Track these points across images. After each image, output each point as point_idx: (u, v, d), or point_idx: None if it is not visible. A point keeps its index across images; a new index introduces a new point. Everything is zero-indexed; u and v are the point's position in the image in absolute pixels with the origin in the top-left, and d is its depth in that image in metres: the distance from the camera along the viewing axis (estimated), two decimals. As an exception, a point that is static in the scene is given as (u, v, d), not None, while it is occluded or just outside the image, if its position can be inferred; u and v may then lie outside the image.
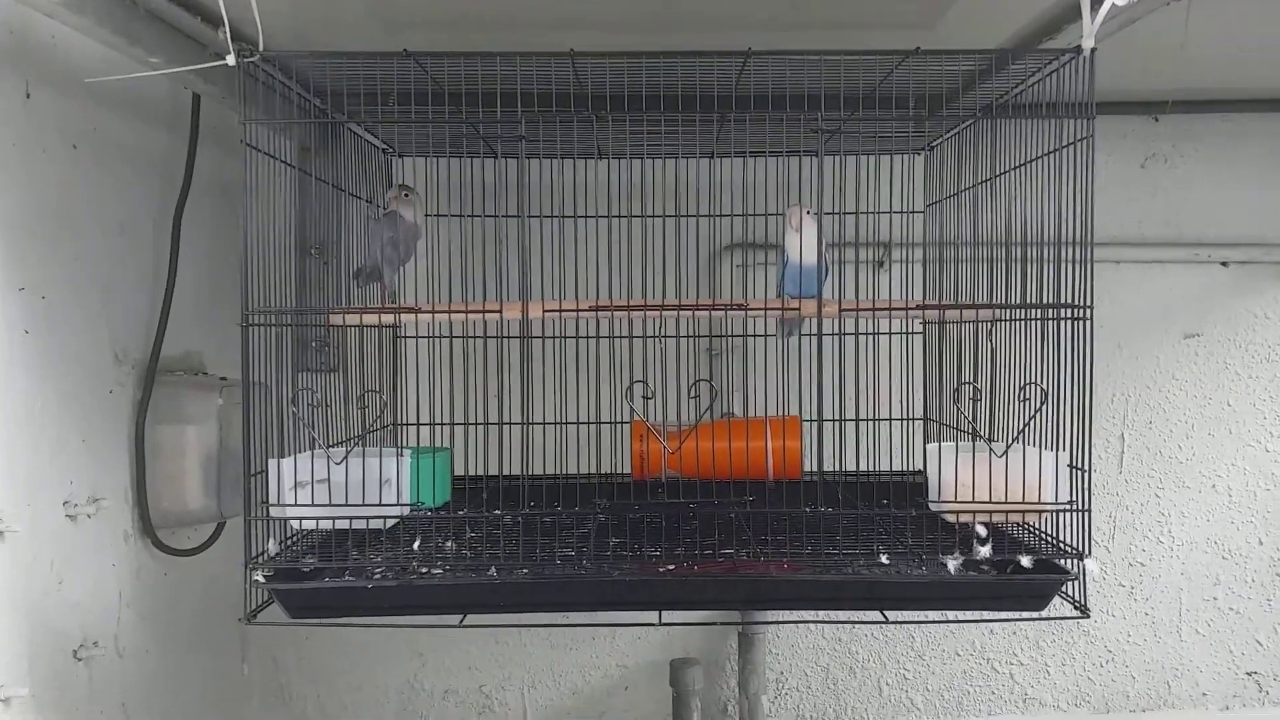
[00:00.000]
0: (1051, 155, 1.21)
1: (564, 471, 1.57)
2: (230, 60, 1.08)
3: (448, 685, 1.99)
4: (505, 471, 1.61)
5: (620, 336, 1.47)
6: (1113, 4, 0.99)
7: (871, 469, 1.59)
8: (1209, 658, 2.02)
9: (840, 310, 1.24)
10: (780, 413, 1.65)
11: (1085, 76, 1.12)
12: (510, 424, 1.59)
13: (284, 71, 1.19)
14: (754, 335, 1.82)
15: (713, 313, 1.28)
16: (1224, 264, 1.98)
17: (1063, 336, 1.16)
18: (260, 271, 1.16)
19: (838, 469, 1.50)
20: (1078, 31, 1.23)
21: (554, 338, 1.58)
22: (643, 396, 1.10)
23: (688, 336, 1.73)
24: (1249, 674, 2.03)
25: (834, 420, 1.45)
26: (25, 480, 1.25)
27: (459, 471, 1.55)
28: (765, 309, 1.29)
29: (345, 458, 1.12)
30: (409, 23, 1.35)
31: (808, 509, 1.16)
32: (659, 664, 1.95)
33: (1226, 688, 2.03)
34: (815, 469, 1.62)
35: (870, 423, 1.58)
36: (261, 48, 1.10)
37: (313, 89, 1.28)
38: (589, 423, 1.59)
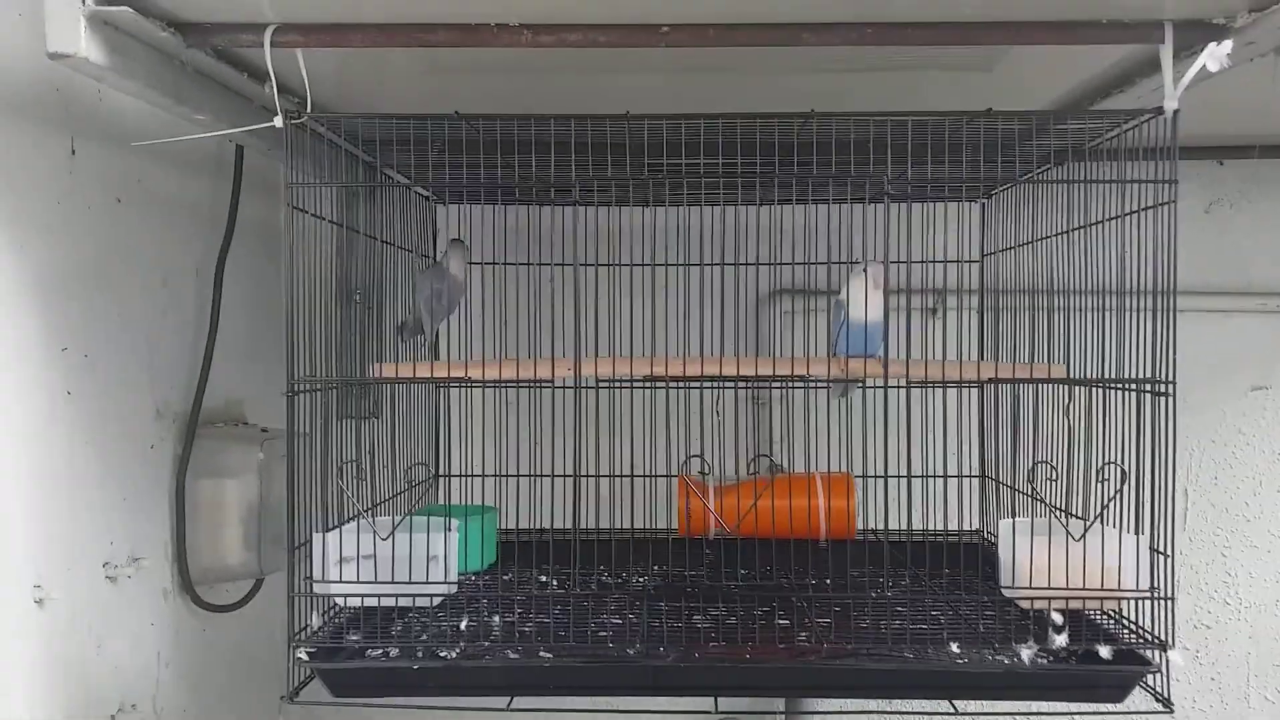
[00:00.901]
0: (1126, 216, 1.15)
1: (611, 525, 1.52)
2: (278, 122, 1.05)
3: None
4: (548, 523, 1.58)
5: (670, 387, 1.42)
6: (1204, 67, 0.93)
7: (927, 527, 1.54)
8: (1278, 724, 1.93)
9: (909, 381, 1.18)
10: (829, 466, 1.60)
11: (1167, 138, 1.06)
12: (555, 476, 1.56)
13: (330, 127, 1.16)
14: (809, 388, 1.76)
15: (773, 373, 1.22)
16: (1293, 313, 1.90)
17: (1144, 411, 1.10)
18: (305, 332, 1.13)
19: (889, 527, 1.46)
20: (1149, 85, 1.18)
21: (603, 388, 1.54)
22: (700, 473, 1.05)
23: (734, 384, 1.68)
24: (1319, 741, 1.94)
25: (886, 476, 1.40)
26: (65, 544, 1.22)
27: (502, 524, 1.52)
28: (829, 380, 1.24)
29: (393, 533, 1.08)
30: (457, 68, 1.32)
31: (874, 594, 1.11)
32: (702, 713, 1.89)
33: (1296, 756, 1.94)
34: (868, 528, 1.59)
35: (925, 479, 1.53)
36: (309, 108, 1.07)
37: (360, 140, 1.25)
38: (640, 476, 1.55)
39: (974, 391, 1.64)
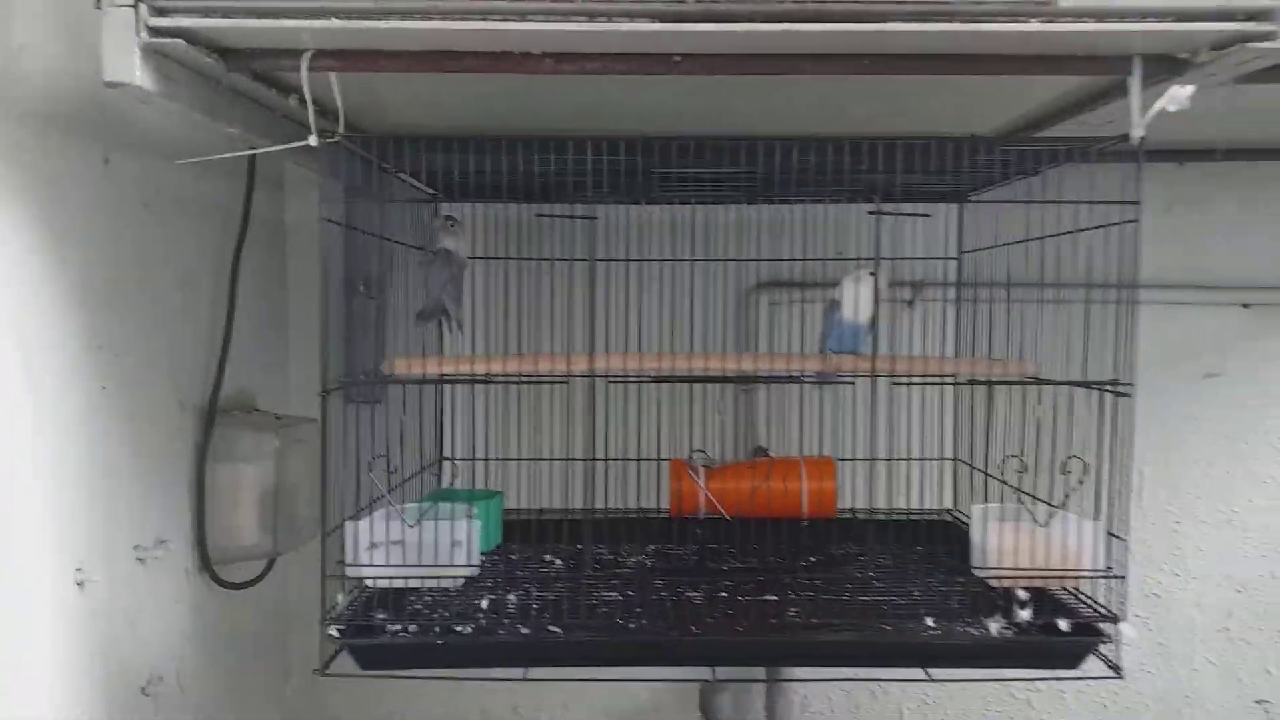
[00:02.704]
0: (1092, 230, 1.25)
1: (606, 505, 1.62)
2: (313, 140, 1.12)
3: (484, 705, 2.05)
4: (546, 503, 1.68)
5: (680, 381, 1.51)
6: (1162, 108, 1.03)
7: (903, 506, 1.66)
8: (1221, 687, 2.08)
9: (892, 375, 1.29)
10: (813, 450, 1.71)
11: (1134, 166, 1.16)
12: (557, 460, 1.66)
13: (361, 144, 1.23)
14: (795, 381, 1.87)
15: (772, 369, 1.32)
16: (1245, 305, 2.03)
17: (1105, 409, 1.21)
18: (334, 333, 1.21)
19: (869, 506, 1.57)
20: (1122, 105, 1.27)
21: (615, 380, 1.63)
22: (703, 465, 1.15)
23: (724, 380, 1.78)
24: (1258, 702, 2.09)
25: (868, 459, 1.51)
26: (103, 530, 1.30)
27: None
28: (819, 379, 1.35)
29: (420, 521, 1.17)
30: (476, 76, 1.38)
31: (858, 574, 1.22)
32: (688, 689, 2.01)
33: (1237, 716, 2.09)
34: (848, 507, 1.70)
35: (901, 462, 1.65)
36: (342, 127, 1.15)
37: (390, 154, 1.32)
38: (639, 459, 1.65)
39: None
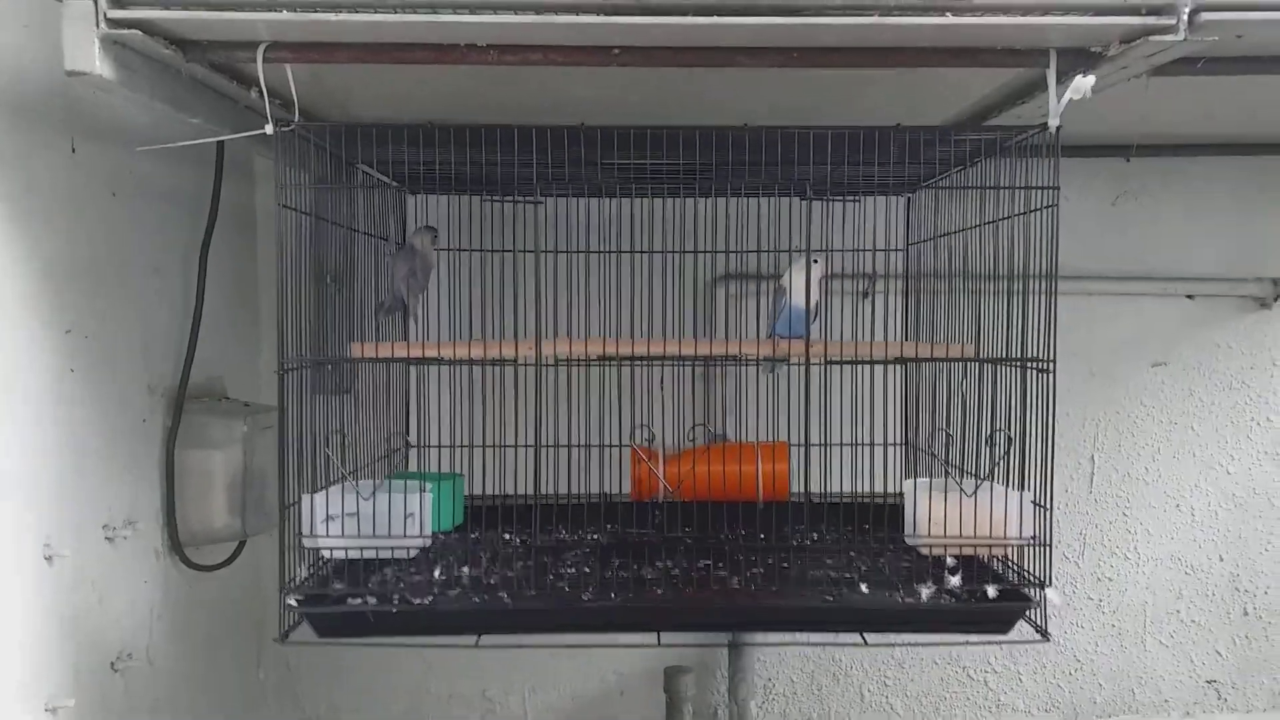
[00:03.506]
0: (1017, 217, 1.31)
1: (568, 491, 1.67)
2: (269, 129, 1.18)
3: (453, 689, 2.10)
4: (511, 490, 1.73)
5: (623, 363, 1.56)
6: (1070, 98, 1.10)
7: (856, 490, 1.71)
8: (1171, 667, 2.14)
9: (825, 356, 1.35)
10: (769, 436, 1.76)
11: (1050, 151, 1.22)
12: (518, 446, 1.71)
13: (315, 131, 1.28)
14: (745, 364, 1.92)
15: (710, 359, 1.38)
16: (1190, 297, 2.10)
17: (1030, 384, 1.27)
18: (292, 316, 1.26)
19: (822, 490, 1.63)
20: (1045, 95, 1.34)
21: (561, 365, 1.68)
22: (645, 440, 1.20)
23: (680, 362, 1.83)
24: (1209, 682, 2.15)
25: (820, 445, 1.57)
26: (71, 507, 1.35)
27: (470, 490, 1.66)
28: (759, 358, 1.40)
29: (374, 494, 1.22)
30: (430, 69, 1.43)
31: (794, 543, 1.27)
32: (654, 671, 2.06)
33: (1188, 695, 2.15)
34: (802, 490, 1.75)
35: (853, 447, 1.70)
36: (297, 117, 1.20)
37: (343, 142, 1.37)
38: (595, 446, 1.70)
39: (899, 369, 1.82)
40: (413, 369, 1.79)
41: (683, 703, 1.98)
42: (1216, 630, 2.14)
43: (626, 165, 1.37)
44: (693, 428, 1.26)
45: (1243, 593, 2.13)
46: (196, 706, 1.70)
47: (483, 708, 2.10)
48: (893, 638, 1.24)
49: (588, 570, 1.40)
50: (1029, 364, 1.27)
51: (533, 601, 1.24)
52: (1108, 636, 2.14)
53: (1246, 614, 2.14)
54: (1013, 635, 1.26)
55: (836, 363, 1.38)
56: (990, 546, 1.26)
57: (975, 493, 1.24)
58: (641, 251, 1.71)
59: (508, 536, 1.55)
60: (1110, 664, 2.14)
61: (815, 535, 1.54)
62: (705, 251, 1.76)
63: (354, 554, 1.26)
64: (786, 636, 1.34)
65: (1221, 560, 2.13)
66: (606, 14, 1.07)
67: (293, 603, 1.22)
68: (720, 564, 1.42)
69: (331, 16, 1.06)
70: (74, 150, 1.34)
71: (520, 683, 2.10)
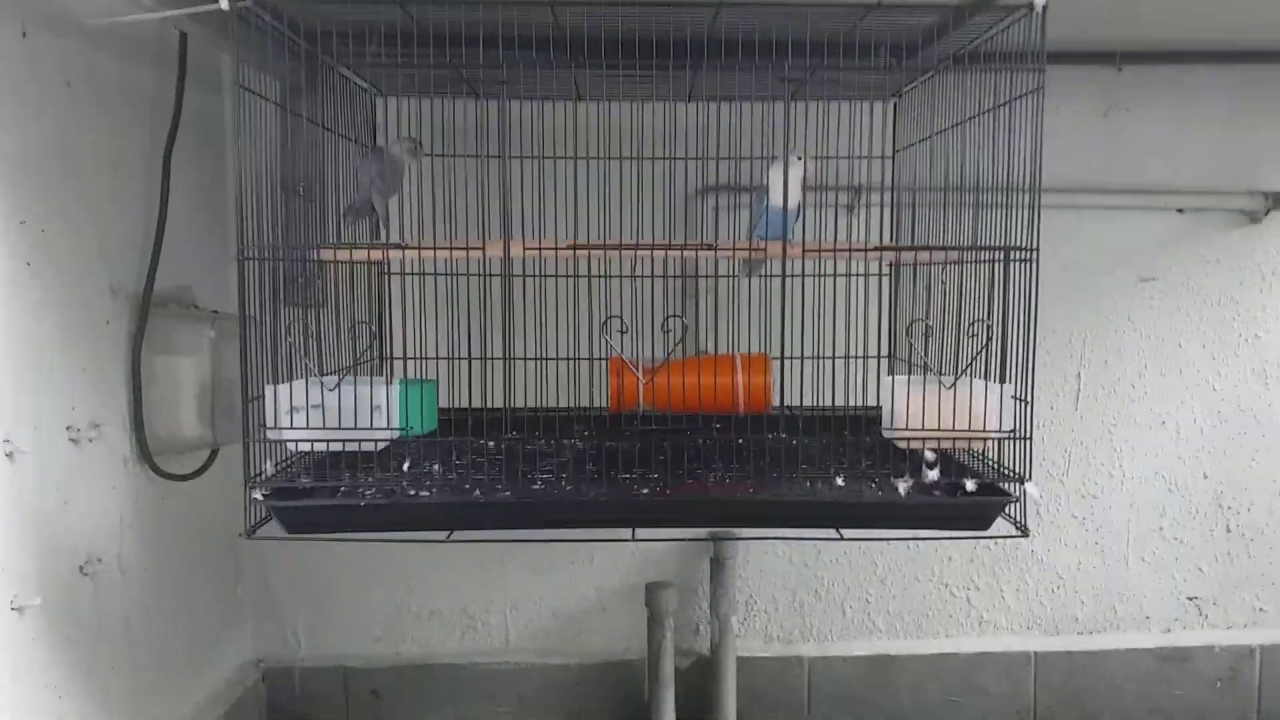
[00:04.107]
0: (1005, 106, 1.27)
1: (545, 404, 1.65)
2: (223, 4, 1.12)
3: (433, 607, 2.09)
4: (488, 404, 1.70)
5: (596, 277, 1.53)
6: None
7: (839, 404, 1.69)
8: (1153, 584, 2.14)
9: (804, 252, 1.31)
10: (753, 349, 1.73)
11: (1037, 32, 1.18)
12: (492, 359, 1.67)
13: (273, 14, 1.23)
14: (723, 276, 1.88)
15: (684, 254, 1.34)
16: (1180, 210, 2.06)
17: (1012, 277, 1.24)
18: (252, 209, 1.22)
19: (804, 404, 1.60)
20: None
21: (534, 276, 1.65)
22: (619, 331, 1.17)
23: (658, 277, 1.79)
24: (1190, 599, 2.15)
25: (800, 357, 1.54)
26: (30, 405, 1.31)
27: (444, 404, 1.63)
28: (734, 251, 1.36)
29: (338, 385, 1.19)
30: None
31: (770, 436, 1.25)
32: (634, 587, 2.05)
33: (1169, 611, 2.15)
34: (783, 405, 1.73)
35: (835, 360, 1.67)
36: (253, -6, 1.15)
37: (302, 31, 1.32)
38: (568, 359, 1.67)
39: (885, 280, 1.78)
40: (386, 279, 1.74)
41: (664, 617, 1.97)
42: (1199, 547, 2.14)
43: (595, 46, 1.32)
44: (667, 319, 1.22)
45: (1226, 510, 2.13)
46: (172, 619, 1.69)
47: (463, 624, 2.10)
48: (870, 534, 1.22)
49: (564, 477, 1.37)
50: (1011, 253, 1.23)
51: (505, 496, 1.21)
52: (1090, 554, 2.13)
53: (1229, 531, 2.13)
54: (992, 531, 1.24)
55: (814, 253, 1.33)
56: (969, 439, 1.23)
57: (954, 386, 1.21)
58: (619, 158, 1.66)
59: (481, 442, 1.52)
60: (1093, 581, 2.14)
61: (794, 441, 1.51)
62: (686, 159, 1.71)
63: (320, 447, 1.23)
64: (764, 532, 1.32)
65: (1205, 478, 2.12)
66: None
67: (258, 496, 1.20)
68: (697, 465, 1.39)
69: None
70: (25, 35, 1.29)
71: (500, 600, 2.10)
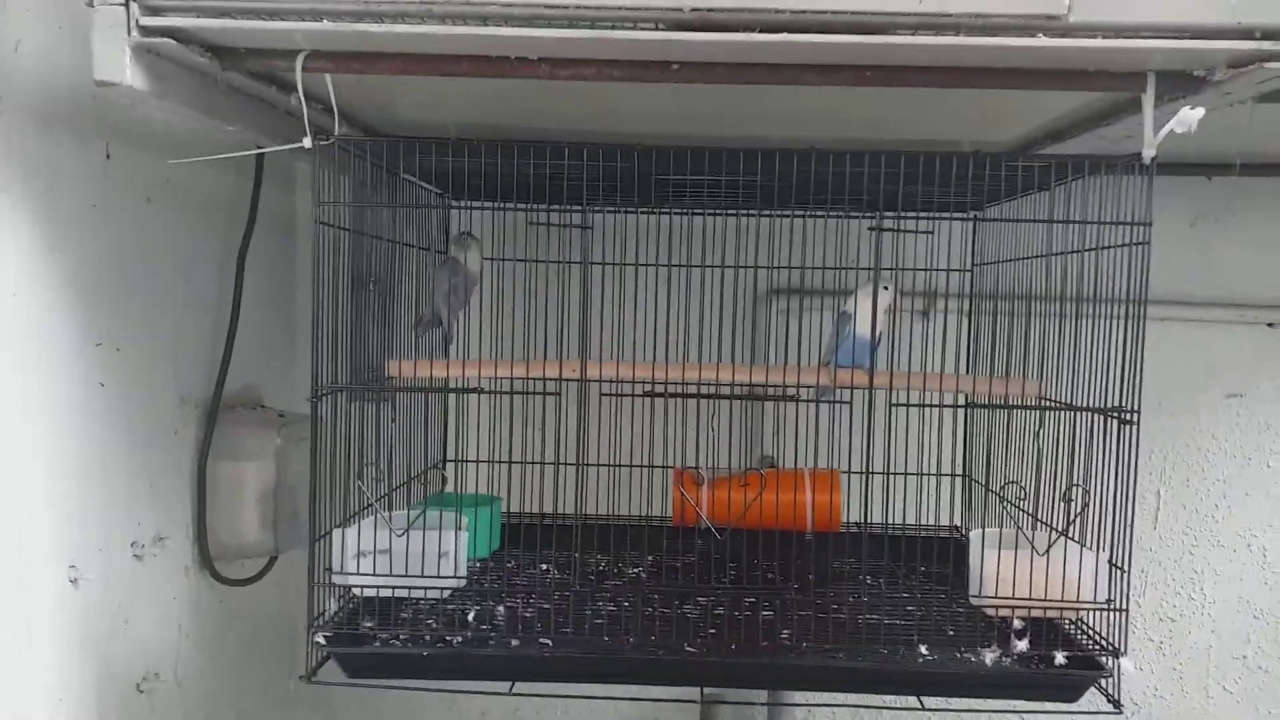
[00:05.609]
0: (1109, 248, 1.22)
1: (609, 512, 1.60)
2: (307, 143, 1.11)
3: (483, 708, 2.05)
4: (550, 508, 1.66)
5: (673, 396, 1.48)
6: (1172, 129, 1.00)
7: (907, 521, 1.63)
8: (1235, 714, 2.03)
9: (891, 393, 1.26)
10: (819, 463, 1.67)
11: (1144, 185, 1.13)
12: (561, 464, 1.64)
13: (356, 148, 1.22)
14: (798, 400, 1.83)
15: (766, 379, 1.30)
16: (1270, 325, 1.98)
17: (1110, 435, 1.18)
18: (329, 336, 1.20)
19: (865, 519, 1.54)
20: (1136, 121, 1.23)
21: (609, 396, 1.61)
22: (694, 484, 1.13)
23: (732, 399, 1.73)
24: (1275, 732, 2.04)
25: (870, 473, 1.49)
26: (98, 527, 1.30)
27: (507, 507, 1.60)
28: (817, 382, 1.32)
29: (407, 530, 1.16)
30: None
31: (850, 598, 1.19)
32: (689, 703, 1.99)
33: (1251, 745, 2.04)
34: (853, 521, 1.67)
35: (904, 476, 1.62)
36: (337, 128, 1.14)
37: (384, 154, 1.31)
38: (638, 466, 1.63)
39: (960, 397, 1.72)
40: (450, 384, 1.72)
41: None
42: (1285, 678, 2.03)
43: (681, 182, 1.29)
44: (760, 460, 1.17)
45: (1315, 640, 2.02)
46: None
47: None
48: (954, 703, 1.16)
49: (627, 605, 1.33)
50: (1110, 414, 1.17)
51: (570, 649, 1.17)
52: (1169, 680, 2.03)
53: (1318, 662, 2.02)
54: (1082, 705, 1.17)
55: (902, 406, 1.28)
56: (1061, 609, 1.17)
57: (1048, 551, 1.15)
58: (693, 266, 1.63)
59: (545, 568, 1.48)
60: (1170, 709, 2.04)
61: (868, 579, 1.46)
62: (762, 267, 1.67)
63: (385, 591, 1.20)
64: (838, 696, 1.26)
65: (1294, 605, 2.01)
66: (667, 29, 0.99)
67: (321, 640, 1.17)
68: (766, 604, 1.34)
69: (374, 27, 0.99)
70: (109, 157, 1.29)
71: (552, 706, 2.05)
